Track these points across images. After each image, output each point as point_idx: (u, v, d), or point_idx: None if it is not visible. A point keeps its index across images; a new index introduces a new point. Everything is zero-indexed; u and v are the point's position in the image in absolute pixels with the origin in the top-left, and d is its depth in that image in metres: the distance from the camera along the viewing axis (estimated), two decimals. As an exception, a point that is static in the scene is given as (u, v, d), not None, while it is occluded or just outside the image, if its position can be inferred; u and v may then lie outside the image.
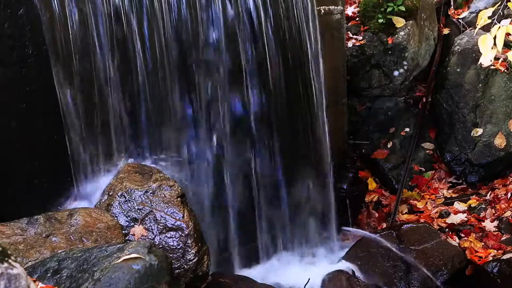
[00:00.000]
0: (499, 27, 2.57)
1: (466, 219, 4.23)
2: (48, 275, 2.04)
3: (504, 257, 3.52)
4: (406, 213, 4.48)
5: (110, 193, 2.78)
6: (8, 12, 2.59)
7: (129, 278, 1.88)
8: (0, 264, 1.27)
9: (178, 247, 2.62)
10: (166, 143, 3.24)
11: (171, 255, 2.55)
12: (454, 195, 4.59)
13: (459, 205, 4.38)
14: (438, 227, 4.17)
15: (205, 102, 3.32)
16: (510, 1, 3.05)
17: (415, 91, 4.97)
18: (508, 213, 4.14)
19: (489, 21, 2.80)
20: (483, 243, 3.95)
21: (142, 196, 2.74)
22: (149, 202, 2.72)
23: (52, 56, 2.75)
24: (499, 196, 4.38)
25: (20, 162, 2.75)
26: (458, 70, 4.74)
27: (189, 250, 2.63)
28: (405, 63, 4.67)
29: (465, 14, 5.07)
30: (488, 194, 4.45)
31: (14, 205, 2.71)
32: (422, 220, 4.24)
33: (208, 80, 3.31)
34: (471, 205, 4.36)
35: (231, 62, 3.35)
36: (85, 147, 2.93)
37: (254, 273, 3.57)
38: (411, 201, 4.56)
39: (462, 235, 4.13)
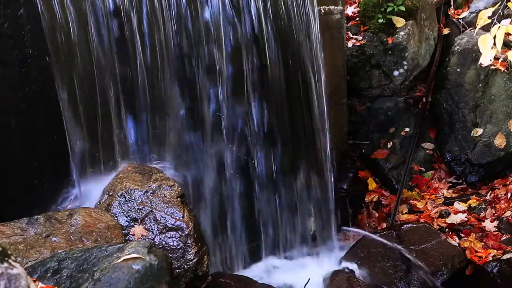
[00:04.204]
0: (499, 27, 2.57)
1: (466, 219, 4.23)
2: (48, 275, 2.04)
3: (504, 257, 3.52)
4: (406, 213, 4.48)
5: (110, 193, 2.78)
6: (8, 12, 2.59)
7: (129, 278, 1.87)
8: (0, 264, 1.27)
9: (178, 247, 2.62)
10: (167, 142, 3.25)
11: (171, 255, 2.55)
12: (454, 195, 4.59)
13: (459, 205, 4.38)
14: (438, 227, 4.17)
15: (205, 101, 3.32)
16: (510, 1, 3.06)
17: (415, 91, 4.97)
18: (508, 213, 4.14)
19: (489, 21, 2.80)
20: (483, 243, 3.95)
21: (142, 196, 2.74)
22: (149, 202, 2.72)
23: (53, 56, 2.75)
24: (499, 196, 4.38)
25: (20, 162, 2.75)
26: (458, 70, 4.74)
27: (189, 250, 2.63)
28: (405, 63, 4.68)
29: (465, 14, 5.07)
30: (488, 194, 4.45)
31: (14, 205, 2.71)
32: (422, 220, 4.24)
33: (208, 80, 3.31)
34: (471, 205, 4.36)
35: (232, 61, 3.35)
36: (85, 146, 2.93)
37: (254, 272, 3.57)
38: (411, 201, 4.56)
39: (462, 235, 4.13)
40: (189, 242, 2.63)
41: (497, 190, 4.46)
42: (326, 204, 3.97)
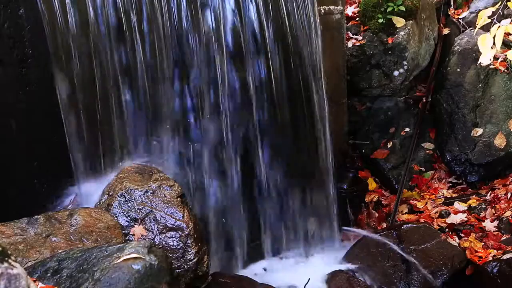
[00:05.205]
0: (499, 27, 2.58)
1: (466, 219, 4.23)
2: (48, 275, 2.04)
3: (504, 257, 3.52)
4: (406, 213, 4.48)
5: (110, 193, 2.78)
6: (8, 12, 2.59)
7: (129, 278, 1.87)
8: (0, 264, 1.27)
9: (178, 247, 2.62)
10: (168, 143, 3.25)
11: (171, 255, 2.55)
12: (454, 195, 4.59)
13: (459, 205, 4.38)
14: (438, 227, 4.17)
15: (206, 99, 3.33)
16: (510, 1, 3.06)
17: (415, 91, 4.98)
18: (508, 213, 4.14)
19: (489, 20, 2.81)
20: (483, 243, 3.95)
21: (142, 196, 2.74)
22: (149, 202, 2.72)
23: (53, 56, 2.75)
24: (499, 196, 4.38)
25: (20, 162, 2.75)
26: (458, 70, 4.74)
27: (189, 250, 2.63)
28: (405, 63, 4.68)
29: (465, 14, 5.08)
30: (488, 194, 4.45)
31: (14, 205, 2.71)
32: (422, 220, 4.24)
33: (208, 80, 3.31)
34: (471, 205, 4.36)
35: (232, 61, 3.35)
36: (85, 147, 2.94)
37: (255, 272, 3.57)
38: (411, 201, 4.56)
39: (462, 235, 4.13)
40: (189, 242, 2.63)
41: (497, 190, 4.46)
42: (327, 204, 3.97)
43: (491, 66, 4.53)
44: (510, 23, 2.69)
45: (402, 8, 4.58)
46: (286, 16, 3.49)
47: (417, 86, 5.00)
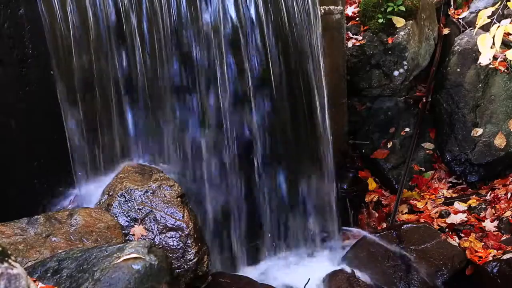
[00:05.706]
0: (498, 26, 2.58)
1: (466, 219, 4.23)
2: (48, 275, 2.04)
3: (504, 257, 3.52)
4: (406, 213, 4.48)
5: (110, 193, 2.78)
6: (8, 12, 2.59)
7: (129, 278, 1.87)
8: (0, 264, 1.27)
9: (178, 247, 2.62)
10: (167, 143, 3.25)
11: (171, 255, 2.55)
12: (454, 195, 4.59)
13: (459, 205, 4.38)
14: (438, 227, 4.17)
15: (205, 99, 3.33)
16: (510, 1, 3.06)
17: (415, 91, 4.98)
18: (508, 213, 4.14)
19: (489, 20, 2.81)
20: (483, 243, 3.95)
21: (142, 196, 2.74)
22: (149, 202, 2.72)
23: (53, 56, 2.75)
24: (499, 196, 4.38)
25: (20, 162, 2.75)
26: (458, 70, 4.74)
27: (189, 250, 2.63)
28: (405, 63, 4.68)
29: (465, 14, 5.08)
30: (488, 194, 4.45)
31: (14, 205, 2.71)
32: (422, 220, 4.24)
33: (210, 80, 3.31)
34: (471, 205, 4.36)
35: (233, 62, 3.36)
36: (85, 147, 2.94)
37: (255, 272, 3.57)
38: (411, 201, 4.56)
39: (462, 235, 4.13)
40: (189, 242, 2.63)
41: (497, 190, 4.46)
42: (327, 204, 3.97)
43: (491, 66, 4.53)
44: (510, 23, 2.70)
45: (402, 8, 4.58)
46: (286, 15, 3.49)
47: (417, 86, 5.00)
